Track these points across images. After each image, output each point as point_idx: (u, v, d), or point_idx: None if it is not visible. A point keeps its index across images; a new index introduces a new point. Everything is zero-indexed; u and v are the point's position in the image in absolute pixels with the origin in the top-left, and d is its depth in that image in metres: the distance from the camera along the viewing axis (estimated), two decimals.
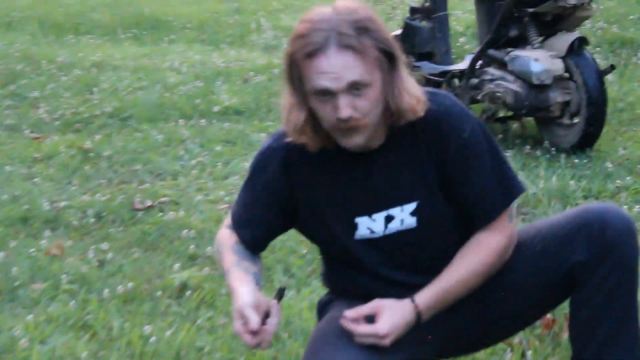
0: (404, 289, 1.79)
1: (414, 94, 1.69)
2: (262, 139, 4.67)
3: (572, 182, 3.59)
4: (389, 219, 1.83)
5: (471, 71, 4.26)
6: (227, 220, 1.93)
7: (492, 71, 4.10)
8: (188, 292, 2.86)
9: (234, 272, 1.80)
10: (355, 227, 1.83)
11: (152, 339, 2.53)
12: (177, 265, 3.09)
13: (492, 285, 1.81)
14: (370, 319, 1.70)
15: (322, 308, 1.94)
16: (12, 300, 2.95)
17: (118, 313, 2.74)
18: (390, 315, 1.70)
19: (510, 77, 3.93)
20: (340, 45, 1.60)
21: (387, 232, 1.82)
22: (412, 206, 1.81)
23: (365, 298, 1.80)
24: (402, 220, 1.82)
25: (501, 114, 4.30)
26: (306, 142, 1.74)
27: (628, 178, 3.68)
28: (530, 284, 1.81)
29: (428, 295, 1.75)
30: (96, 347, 2.56)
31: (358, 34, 1.61)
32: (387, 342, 1.67)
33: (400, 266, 1.84)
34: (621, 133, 4.32)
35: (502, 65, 4.05)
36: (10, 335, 2.64)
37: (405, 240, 1.83)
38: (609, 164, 3.84)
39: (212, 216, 3.59)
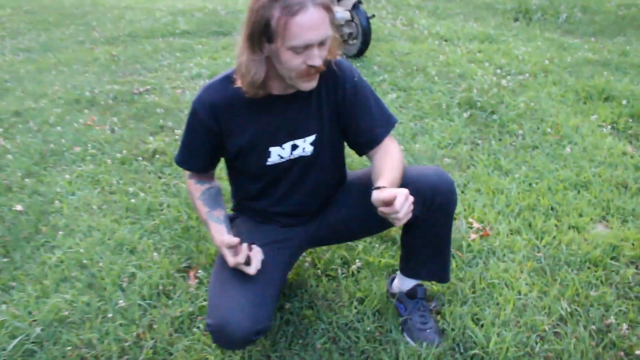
0: (296, 203, 2.02)
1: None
2: (201, 50, 6.41)
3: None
4: (294, 147, 1.92)
5: None
6: (185, 173, 2.05)
7: None
8: (157, 156, 3.64)
9: (210, 224, 1.91)
10: (268, 154, 1.91)
11: (132, 199, 3.12)
12: (151, 138, 3.86)
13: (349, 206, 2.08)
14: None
15: (231, 221, 2.12)
16: (60, 160, 3.67)
17: (116, 172, 3.47)
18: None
19: None
20: (315, 4, 1.59)
21: (292, 157, 1.92)
22: (312, 137, 1.92)
23: (263, 213, 2.03)
24: (303, 149, 1.93)
25: None
26: (250, 91, 1.75)
27: (385, 75, 5.24)
28: (369, 214, 1.97)
29: (386, 182, 1.78)
30: (102, 198, 3.14)
31: None
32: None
33: (296, 183, 1.99)
34: (378, 48, 6.22)
35: None
36: (54, 191, 3.31)
37: (303, 163, 1.96)
38: (374, 66, 5.50)
39: (173, 98, 4.69)
